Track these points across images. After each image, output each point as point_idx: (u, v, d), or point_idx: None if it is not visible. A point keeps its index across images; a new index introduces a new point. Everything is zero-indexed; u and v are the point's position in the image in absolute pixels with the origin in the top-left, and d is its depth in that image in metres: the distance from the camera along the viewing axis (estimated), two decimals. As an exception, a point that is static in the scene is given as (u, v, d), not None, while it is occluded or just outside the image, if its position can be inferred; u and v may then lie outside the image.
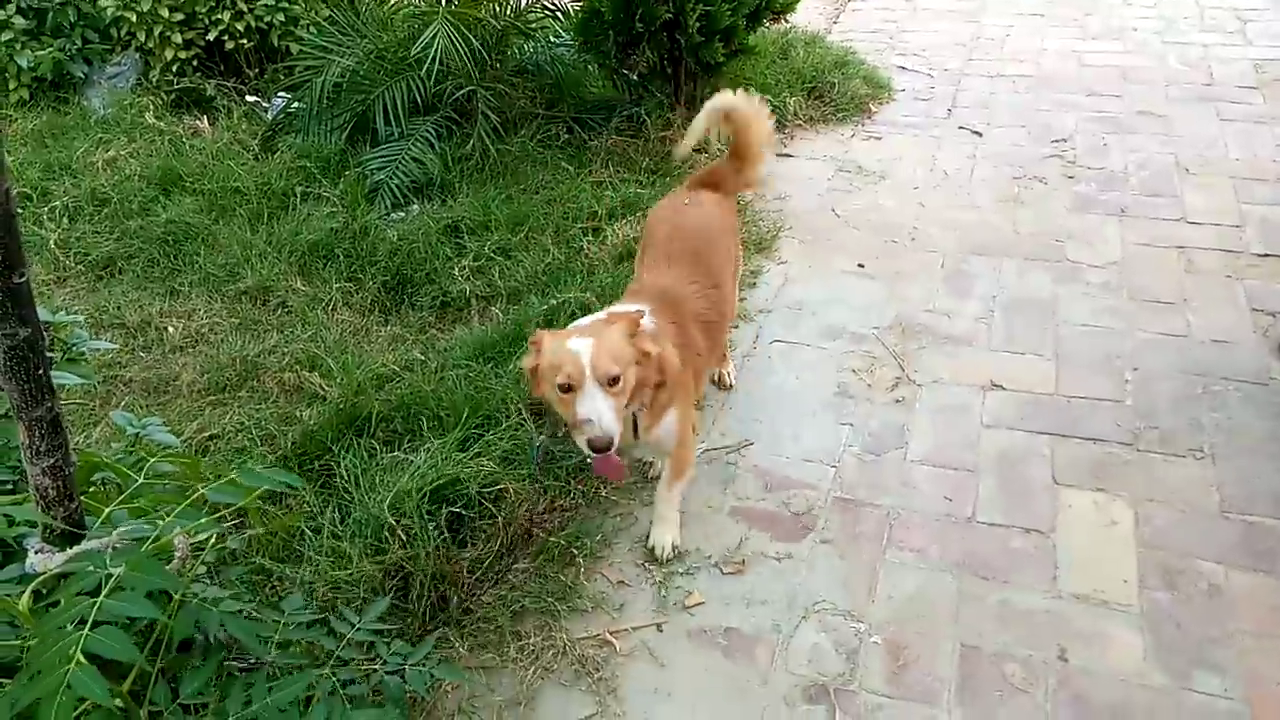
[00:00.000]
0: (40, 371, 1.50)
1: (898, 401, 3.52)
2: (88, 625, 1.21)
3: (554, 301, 3.90)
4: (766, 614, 2.76)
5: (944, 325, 3.87)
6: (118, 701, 1.55)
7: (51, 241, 4.69)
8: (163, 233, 4.65)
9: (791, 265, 4.36)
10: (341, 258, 4.44)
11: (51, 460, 1.55)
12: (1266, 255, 4.06)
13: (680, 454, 2.85)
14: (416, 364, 3.69)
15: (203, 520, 1.49)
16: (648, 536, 2.98)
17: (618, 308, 2.74)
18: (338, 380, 3.53)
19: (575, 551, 2.93)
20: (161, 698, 1.55)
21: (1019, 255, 4.26)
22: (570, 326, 2.65)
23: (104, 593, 1.24)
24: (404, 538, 2.76)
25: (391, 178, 4.86)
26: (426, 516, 2.83)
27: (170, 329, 4.09)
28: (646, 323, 2.60)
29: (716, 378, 3.60)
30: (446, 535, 2.84)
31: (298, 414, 3.45)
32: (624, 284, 3.95)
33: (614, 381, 2.38)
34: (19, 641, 1.51)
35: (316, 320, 4.06)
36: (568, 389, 2.37)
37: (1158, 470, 3.10)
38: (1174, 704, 2.42)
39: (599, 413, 2.34)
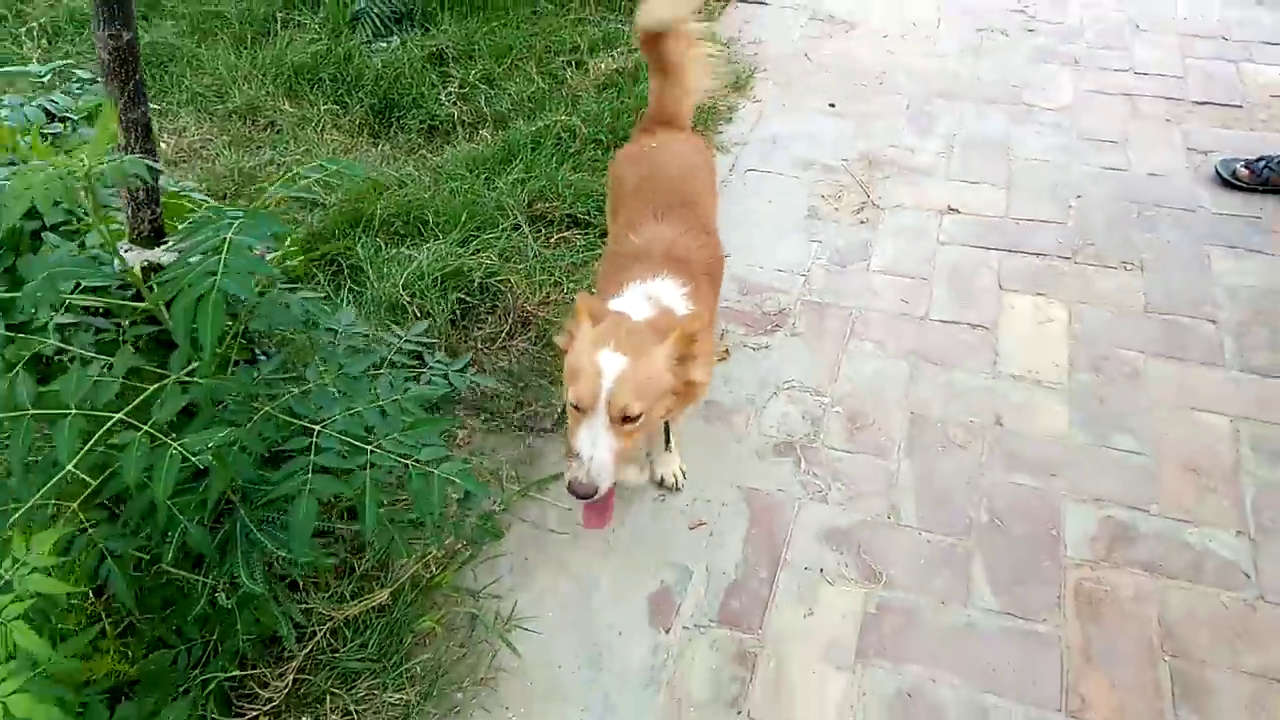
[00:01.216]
0: (137, 76, 1.70)
1: (862, 222, 3.81)
2: (222, 261, 1.43)
3: (542, 124, 4.08)
4: (742, 390, 3.09)
5: (907, 158, 4.15)
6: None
7: (34, 61, 4.69)
8: (147, 54, 4.68)
9: (766, 104, 4.57)
10: (327, 81, 4.54)
11: (130, 173, 1.75)
12: (1204, 103, 4.38)
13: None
14: (410, 178, 3.87)
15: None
16: (651, 468, 2.75)
17: (657, 284, 2.29)
18: (339, 187, 3.71)
19: (569, 337, 3.21)
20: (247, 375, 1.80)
21: (979, 99, 4.51)
22: (622, 299, 2.25)
23: (231, 231, 1.46)
24: (417, 313, 3.00)
25: (372, 6, 4.91)
26: (438, 298, 3.08)
27: (163, 144, 4.19)
28: (680, 303, 2.26)
29: None
30: (457, 314, 3.10)
31: (299, 218, 3.63)
32: (608, 111, 4.17)
33: (630, 420, 1.98)
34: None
35: (307, 139, 4.19)
36: (577, 409, 1.99)
37: (1092, 279, 3.46)
38: (1093, 458, 2.82)
39: (592, 452, 1.95)
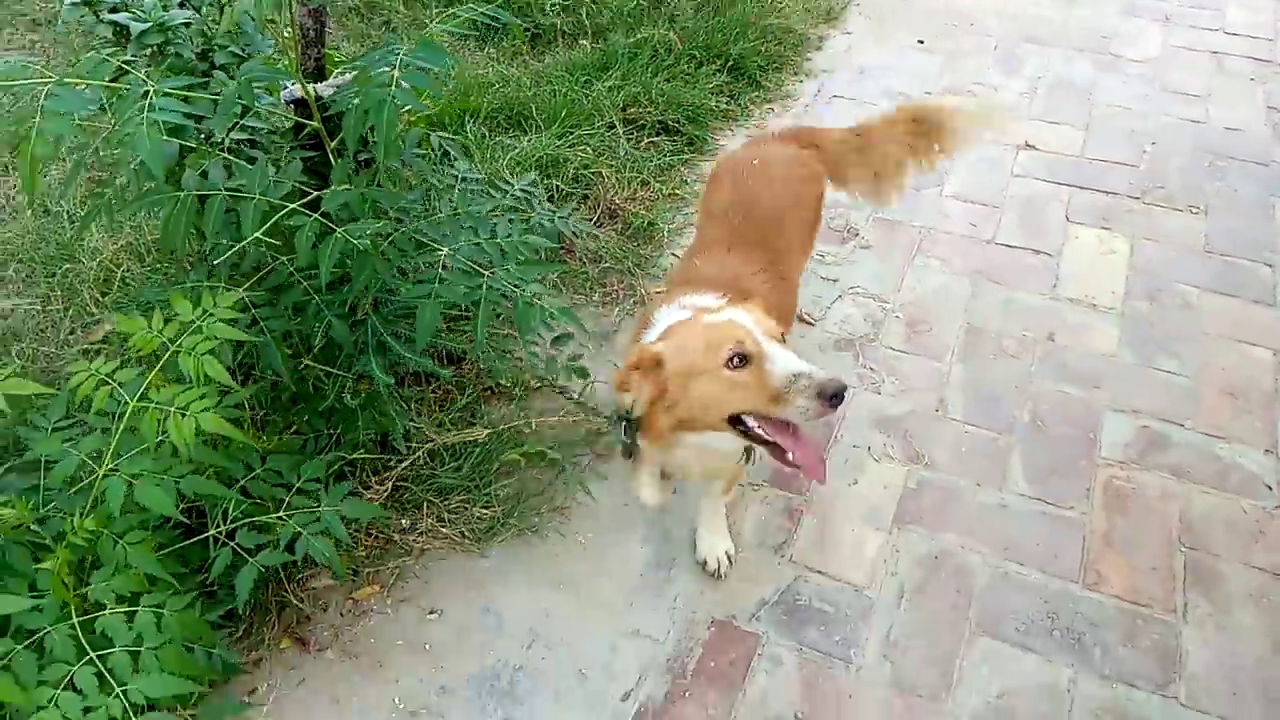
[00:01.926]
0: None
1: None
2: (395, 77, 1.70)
3: (640, 37, 4.29)
4: (809, 291, 3.30)
5: (991, 96, 4.27)
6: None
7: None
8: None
9: (856, 36, 4.72)
10: (440, -14, 4.80)
11: (317, 3, 2.03)
12: (1293, 65, 4.43)
13: (737, 467, 2.33)
14: (513, 78, 4.12)
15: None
16: (695, 548, 2.51)
17: (700, 299, 2.11)
18: (448, 78, 3.97)
19: (654, 230, 3.46)
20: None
21: (1067, 46, 4.60)
22: (659, 321, 2.08)
23: (402, 54, 1.73)
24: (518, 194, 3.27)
25: (486, -80, 5.12)
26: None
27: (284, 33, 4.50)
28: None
29: None
30: (554, 199, 3.37)
31: (411, 106, 3.91)
32: (703, 29, 4.35)
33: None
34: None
35: (418, 37, 4.46)
36: (743, 361, 1.78)
37: (1158, 218, 3.59)
38: (1137, 377, 2.99)
39: (799, 365, 1.76)
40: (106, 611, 1.51)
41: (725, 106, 4.08)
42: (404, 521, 2.56)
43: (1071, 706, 2.21)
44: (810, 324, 3.19)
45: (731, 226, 2.39)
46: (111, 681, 1.41)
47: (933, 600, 2.42)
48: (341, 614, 2.41)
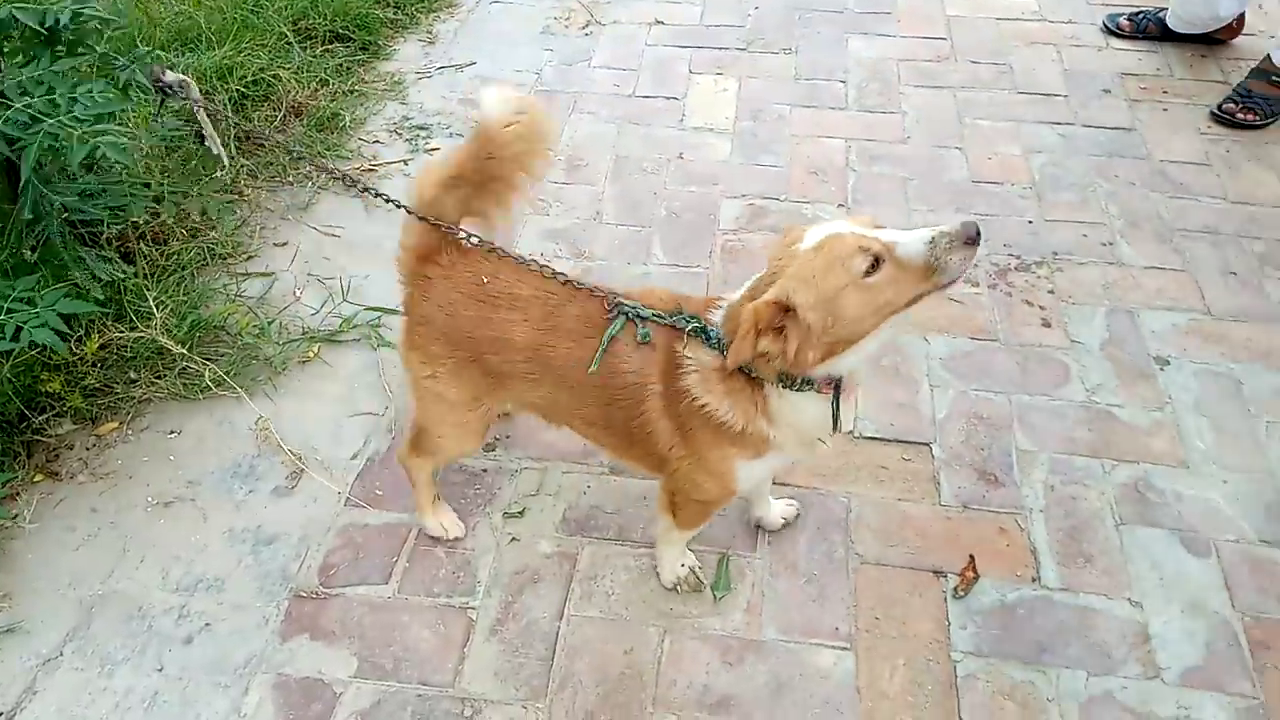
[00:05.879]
0: None
1: (587, 35, 4.62)
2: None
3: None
4: (483, 151, 3.83)
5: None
6: None
7: None
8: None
9: (507, -48, 5.28)
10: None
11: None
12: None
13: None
14: (184, 11, 4.36)
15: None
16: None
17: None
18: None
19: (339, 120, 3.87)
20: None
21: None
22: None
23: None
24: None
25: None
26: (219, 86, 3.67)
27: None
28: None
29: None
30: (237, 101, 3.71)
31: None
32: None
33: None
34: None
35: None
36: (876, 264, 1.68)
37: (759, 61, 4.40)
38: (744, 172, 3.75)
39: (915, 231, 1.70)
40: None
41: (394, 15, 4.54)
42: (131, 374, 2.87)
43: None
44: (485, 175, 3.72)
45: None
46: None
47: (596, 345, 3.03)
48: (87, 448, 2.71)
